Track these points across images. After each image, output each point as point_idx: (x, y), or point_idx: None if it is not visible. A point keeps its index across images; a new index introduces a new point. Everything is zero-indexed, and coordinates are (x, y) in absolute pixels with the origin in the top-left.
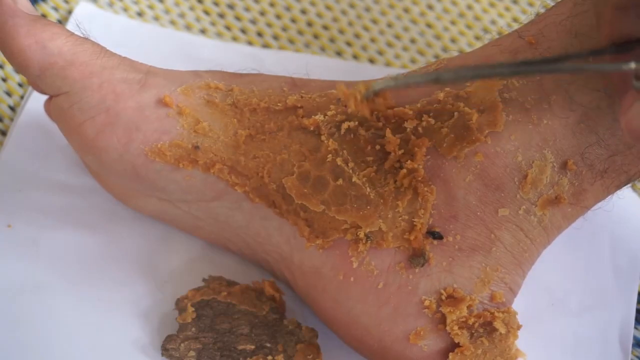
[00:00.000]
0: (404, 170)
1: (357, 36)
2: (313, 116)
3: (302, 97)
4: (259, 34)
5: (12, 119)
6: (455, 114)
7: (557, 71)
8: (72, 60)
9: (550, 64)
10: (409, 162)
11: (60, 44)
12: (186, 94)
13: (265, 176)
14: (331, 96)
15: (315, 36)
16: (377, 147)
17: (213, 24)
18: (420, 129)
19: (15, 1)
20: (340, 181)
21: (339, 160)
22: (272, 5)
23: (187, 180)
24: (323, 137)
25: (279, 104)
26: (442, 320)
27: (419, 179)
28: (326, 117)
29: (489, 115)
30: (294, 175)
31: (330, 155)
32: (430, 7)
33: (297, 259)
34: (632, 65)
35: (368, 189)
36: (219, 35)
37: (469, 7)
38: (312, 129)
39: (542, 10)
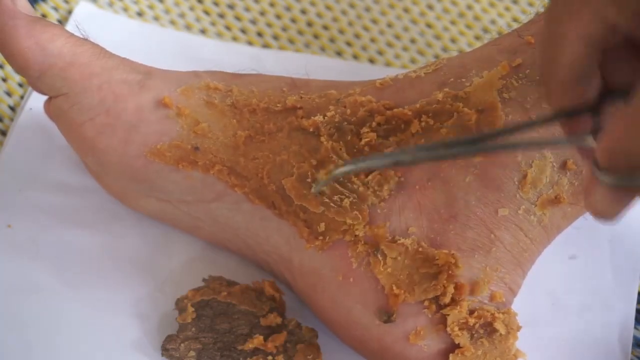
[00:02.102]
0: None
1: (357, 36)
2: (312, 117)
3: (301, 97)
4: (259, 34)
5: (12, 119)
6: (455, 114)
7: (515, 148)
8: (71, 62)
9: (506, 142)
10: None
11: (59, 45)
12: (186, 95)
13: (264, 177)
14: (330, 97)
15: (315, 36)
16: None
17: (213, 24)
18: (419, 129)
19: (15, 2)
20: (339, 182)
21: (338, 161)
22: (272, 5)
23: (186, 181)
24: (322, 138)
25: (278, 105)
26: (442, 320)
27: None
28: (326, 117)
29: (488, 115)
30: (293, 176)
31: (329, 156)
32: (430, 7)
33: (297, 259)
34: (590, 141)
35: (368, 191)
36: (219, 35)
37: (469, 7)
38: (311, 129)
39: (542, 10)
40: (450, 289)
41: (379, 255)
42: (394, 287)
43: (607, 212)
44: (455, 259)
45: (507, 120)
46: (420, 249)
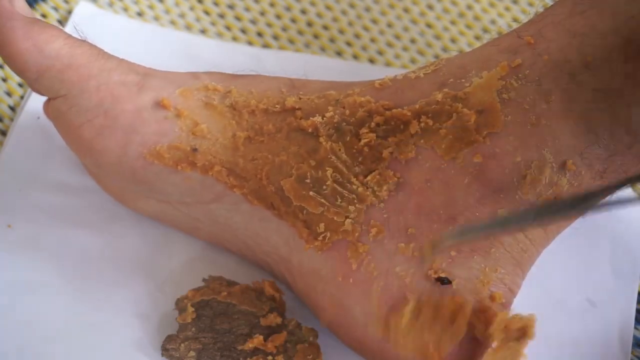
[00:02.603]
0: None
1: (357, 36)
2: (311, 118)
3: (300, 98)
4: (259, 34)
5: (12, 119)
6: (454, 115)
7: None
8: (69, 63)
9: (582, 204)
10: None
11: (57, 47)
12: (184, 96)
13: (263, 178)
14: (329, 97)
15: (315, 36)
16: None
17: (213, 24)
18: (418, 130)
19: (13, 4)
20: (338, 183)
21: (337, 162)
22: (272, 5)
23: (185, 183)
24: (321, 139)
25: (277, 106)
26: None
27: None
28: (324, 118)
29: (488, 116)
30: (292, 177)
31: (328, 157)
32: (430, 7)
33: (296, 260)
34: None
35: (367, 191)
36: (219, 35)
37: (469, 7)
38: (310, 130)
39: (542, 10)
40: (480, 326)
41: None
42: (429, 349)
43: None
44: (462, 301)
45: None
46: (426, 304)
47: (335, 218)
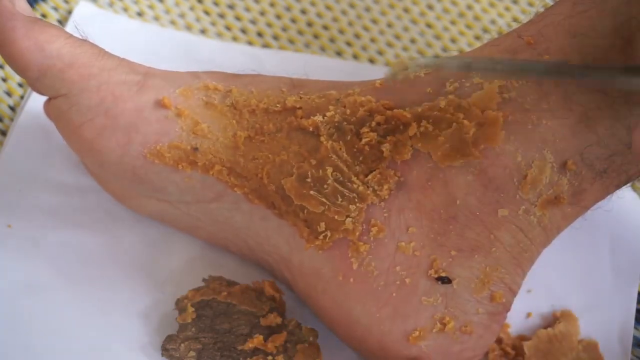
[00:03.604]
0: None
1: (357, 36)
2: (312, 117)
3: (300, 98)
4: (259, 34)
5: (12, 119)
6: (454, 124)
7: (588, 78)
8: (70, 63)
9: (584, 71)
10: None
11: (58, 46)
12: (185, 96)
13: (264, 177)
14: (330, 97)
15: (315, 36)
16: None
17: (213, 24)
18: (418, 133)
19: (14, 3)
20: (339, 182)
21: (338, 161)
22: (272, 5)
23: (186, 182)
24: (322, 138)
25: (277, 105)
26: (442, 321)
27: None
28: (325, 117)
29: (487, 130)
30: (293, 176)
31: (329, 156)
32: (430, 7)
33: (297, 259)
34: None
35: (368, 190)
36: (219, 35)
37: (469, 7)
38: (311, 129)
39: (542, 10)
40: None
41: None
42: None
43: None
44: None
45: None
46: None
47: (336, 217)
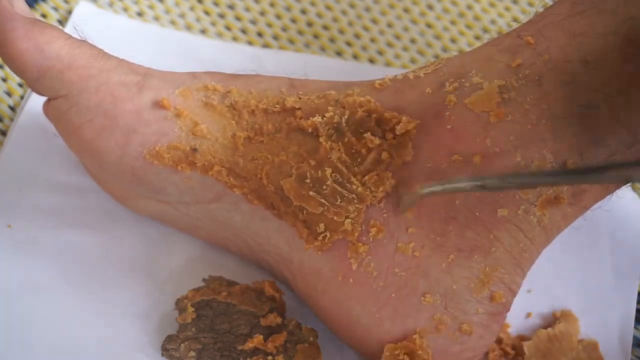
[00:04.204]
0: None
1: (357, 36)
2: (311, 118)
3: (300, 98)
4: (259, 34)
5: (12, 119)
6: None
7: (602, 181)
8: (69, 64)
9: (596, 173)
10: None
11: (58, 47)
12: (184, 96)
13: (263, 178)
14: (329, 97)
15: (315, 36)
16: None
17: (213, 24)
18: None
19: (12, 4)
20: (338, 183)
21: (337, 162)
22: (272, 5)
23: (185, 183)
24: (321, 139)
25: (277, 106)
26: (442, 320)
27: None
28: (324, 118)
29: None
30: (292, 177)
31: (328, 157)
32: (430, 7)
33: (297, 260)
34: None
35: (367, 191)
36: (219, 35)
37: (469, 7)
38: (310, 130)
39: (542, 10)
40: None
41: None
42: None
43: None
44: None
45: (506, 121)
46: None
47: (335, 218)
